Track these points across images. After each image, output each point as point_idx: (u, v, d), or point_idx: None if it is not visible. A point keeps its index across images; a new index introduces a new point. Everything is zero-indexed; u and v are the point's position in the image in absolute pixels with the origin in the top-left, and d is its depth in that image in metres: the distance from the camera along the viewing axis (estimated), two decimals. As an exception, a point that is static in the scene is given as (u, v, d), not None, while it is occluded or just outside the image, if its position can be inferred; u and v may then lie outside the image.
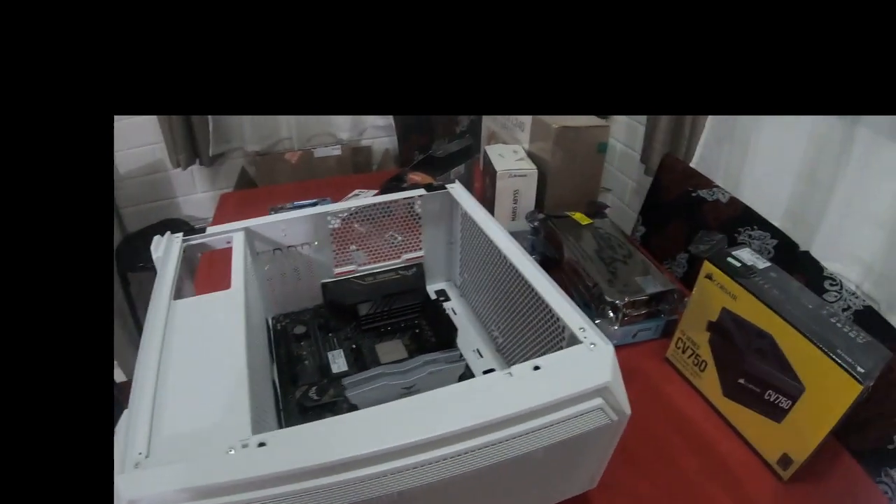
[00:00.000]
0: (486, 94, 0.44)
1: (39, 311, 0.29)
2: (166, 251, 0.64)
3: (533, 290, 0.57)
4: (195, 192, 1.87)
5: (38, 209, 0.31)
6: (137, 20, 0.36)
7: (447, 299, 0.84)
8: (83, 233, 0.34)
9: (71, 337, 0.30)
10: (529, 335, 0.61)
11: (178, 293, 0.58)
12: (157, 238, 0.67)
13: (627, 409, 0.46)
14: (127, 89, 0.39)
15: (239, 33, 0.39)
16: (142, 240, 1.73)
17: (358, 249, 0.79)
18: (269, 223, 0.71)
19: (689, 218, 1.02)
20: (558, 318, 0.53)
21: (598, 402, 0.45)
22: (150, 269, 0.61)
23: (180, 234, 0.67)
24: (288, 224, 0.72)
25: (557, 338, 0.54)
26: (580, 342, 0.49)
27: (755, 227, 0.92)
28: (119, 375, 1.64)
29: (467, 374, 0.68)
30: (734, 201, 0.98)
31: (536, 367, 0.45)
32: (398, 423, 0.41)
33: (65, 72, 0.34)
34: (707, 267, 0.68)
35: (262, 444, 0.39)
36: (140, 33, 0.36)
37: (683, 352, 0.73)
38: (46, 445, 0.28)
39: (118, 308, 1.66)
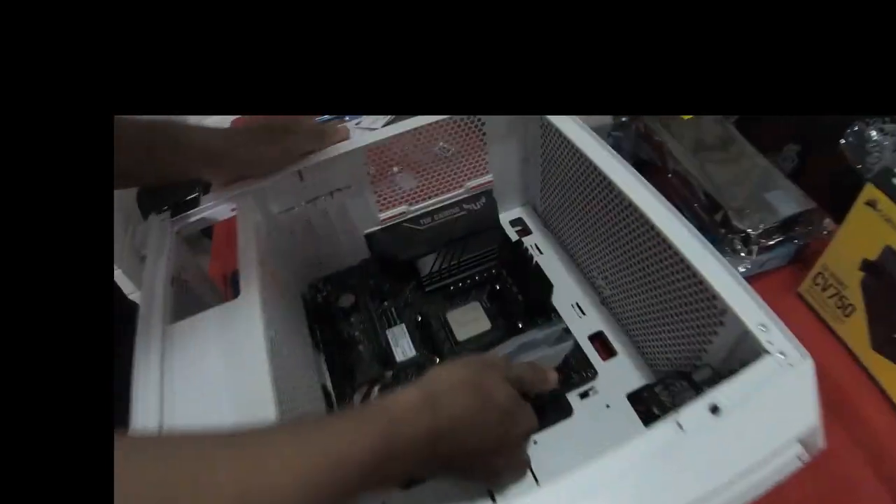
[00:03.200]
0: (495, 94, 0.40)
1: (37, 317, 0.26)
2: (155, 244, 0.49)
3: (670, 245, 0.43)
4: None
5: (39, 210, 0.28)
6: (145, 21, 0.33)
7: (527, 231, 0.69)
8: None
9: (69, 344, 0.26)
10: (655, 291, 0.48)
11: (179, 304, 0.45)
12: (141, 228, 0.52)
13: (822, 444, 0.34)
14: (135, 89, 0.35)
15: (243, 31, 0.36)
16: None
17: (401, 171, 0.62)
18: (285, 178, 0.55)
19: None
20: (715, 296, 0.39)
21: (796, 449, 0.32)
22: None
23: (167, 214, 0.52)
24: (310, 172, 0.56)
25: (707, 313, 0.42)
26: (765, 351, 0.35)
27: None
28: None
29: (572, 353, 0.53)
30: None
31: (714, 409, 0.32)
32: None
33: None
34: (869, 191, 0.51)
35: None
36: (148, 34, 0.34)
37: (824, 290, 0.59)
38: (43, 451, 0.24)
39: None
